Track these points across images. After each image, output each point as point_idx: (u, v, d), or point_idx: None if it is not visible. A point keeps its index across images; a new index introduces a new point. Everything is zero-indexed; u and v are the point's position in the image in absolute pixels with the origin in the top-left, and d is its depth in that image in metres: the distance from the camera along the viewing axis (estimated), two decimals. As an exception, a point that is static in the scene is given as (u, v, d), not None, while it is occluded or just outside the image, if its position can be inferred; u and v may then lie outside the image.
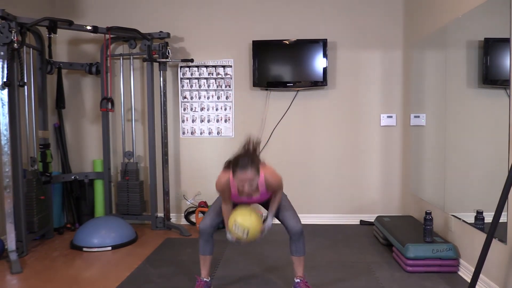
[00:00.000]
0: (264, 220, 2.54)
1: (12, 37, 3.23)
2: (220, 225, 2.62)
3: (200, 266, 2.64)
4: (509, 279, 2.40)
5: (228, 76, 4.46)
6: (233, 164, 2.29)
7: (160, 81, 4.29)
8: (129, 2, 4.49)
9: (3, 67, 3.25)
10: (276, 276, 2.97)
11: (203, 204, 4.34)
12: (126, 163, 4.37)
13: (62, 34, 4.40)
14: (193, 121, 4.52)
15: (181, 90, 4.52)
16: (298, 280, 2.59)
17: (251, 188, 2.29)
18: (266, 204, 2.65)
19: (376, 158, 4.42)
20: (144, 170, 4.56)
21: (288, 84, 4.29)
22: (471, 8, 2.84)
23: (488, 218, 2.56)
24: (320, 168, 4.46)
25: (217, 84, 4.47)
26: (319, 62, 4.24)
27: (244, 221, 2.34)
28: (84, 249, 3.60)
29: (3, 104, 3.26)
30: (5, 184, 3.30)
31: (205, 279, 2.63)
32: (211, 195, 4.45)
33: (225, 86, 4.47)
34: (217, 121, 4.49)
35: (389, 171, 4.41)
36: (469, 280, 2.68)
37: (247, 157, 2.28)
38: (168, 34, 4.28)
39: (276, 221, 2.61)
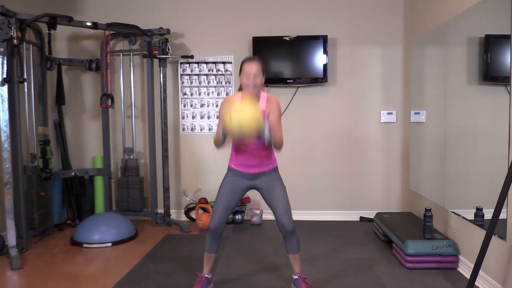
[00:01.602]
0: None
1: (12, 33, 3.23)
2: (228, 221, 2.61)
3: (204, 263, 2.64)
4: (509, 275, 2.41)
5: (228, 72, 4.46)
6: (242, 62, 2.48)
7: (160, 78, 4.29)
8: (129, -2, 4.49)
9: (3, 63, 3.24)
10: (275, 272, 2.98)
11: (203, 201, 4.34)
12: (126, 159, 4.37)
13: (62, 30, 4.39)
14: (193, 117, 4.52)
15: (181, 86, 4.51)
16: (297, 277, 2.59)
17: (255, 81, 2.42)
18: (265, 193, 2.59)
19: (376, 155, 4.42)
20: (144, 167, 4.56)
21: (288, 81, 4.29)
22: (472, 4, 2.84)
23: (488, 215, 2.56)
24: (320, 165, 4.46)
25: (217, 80, 4.46)
26: (319, 59, 4.23)
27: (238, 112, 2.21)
28: (84, 245, 3.61)
29: (3, 101, 3.25)
30: (5, 181, 3.30)
31: (206, 276, 2.63)
32: (211, 192, 4.45)
33: (225, 83, 4.46)
34: (217, 117, 4.49)
35: (389, 167, 4.41)
36: (468, 277, 2.68)
37: (254, 56, 2.55)
38: (168, 31, 4.27)
39: (271, 217, 2.60)
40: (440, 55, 3.37)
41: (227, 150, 2.56)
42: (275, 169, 2.60)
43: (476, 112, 2.83)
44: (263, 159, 2.54)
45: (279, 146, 2.49)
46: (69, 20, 3.78)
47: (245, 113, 2.19)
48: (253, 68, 2.42)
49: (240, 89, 2.57)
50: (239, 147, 2.52)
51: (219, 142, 2.43)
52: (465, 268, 2.92)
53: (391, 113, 4.37)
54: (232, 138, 2.33)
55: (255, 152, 2.50)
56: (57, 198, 4.22)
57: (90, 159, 4.61)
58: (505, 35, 2.44)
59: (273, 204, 2.54)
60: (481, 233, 2.66)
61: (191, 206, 4.54)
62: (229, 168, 2.61)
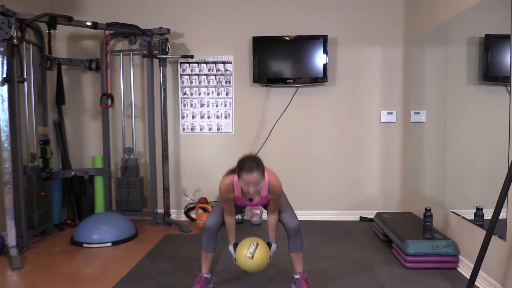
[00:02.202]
0: (269, 244, 2.61)
1: (12, 33, 3.23)
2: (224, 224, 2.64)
3: (202, 263, 2.64)
4: (509, 275, 2.41)
5: (228, 72, 4.46)
6: (238, 166, 2.31)
7: (160, 77, 4.28)
8: (129, -2, 4.49)
9: (2, 63, 3.24)
10: (276, 272, 2.98)
11: (203, 200, 4.34)
12: (126, 159, 4.37)
13: (62, 30, 4.39)
14: (193, 117, 4.52)
15: (181, 86, 4.51)
16: (298, 276, 2.60)
17: (256, 190, 2.31)
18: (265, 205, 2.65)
19: (376, 155, 4.42)
20: (144, 166, 4.56)
21: (288, 81, 4.29)
22: (472, 4, 2.84)
23: (488, 214, 2.57)
24: (320, 165, 4.46)
25: (217, 80, 4.46)
26: (319, 59, 4.23)
27: (248, 267, 2.51)
28: (84, 245, 3.61)
29: (3, 100, 3.25)
30: (5, 180, 3.30)
31: (205, 275, 2.64)
32: (211, 191, 4.46)
33: (225, 82, 4.46)
34: (217, 117, 4.49)
35: (389, 167, 4.42)
36: (468, 277, 2.69)
37: (253, 160, 2.30)
38: (168, 30, 4.27)
39: (266, 217, 2.62)
40: (440, 55, 3.37)
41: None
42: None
43: (476, 112, 2.83)
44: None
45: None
46: (69, 20, 3.78)
47: (258, 266, 2.49)
48: (253, 178, 2.25)
49: (231, 171, 2.46)
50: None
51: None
52: (465, 268, 2.92)
53: (391, 113, 4.37)
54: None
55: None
56: (57, 198, 4.22)
57: (90, 159, 4.61)
58: (505, 35, 2.44)
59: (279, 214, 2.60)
60: (481, 233, 2.67)
61: (191, 206, 4.54)
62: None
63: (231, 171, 2.48)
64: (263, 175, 2.33)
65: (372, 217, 4.11)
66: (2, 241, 3.39)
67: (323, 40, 4.22)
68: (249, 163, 2.27)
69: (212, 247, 2.61)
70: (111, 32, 4.20)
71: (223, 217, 2.59)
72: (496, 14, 2.58)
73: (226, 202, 2.51)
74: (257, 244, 2.51)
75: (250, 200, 2.52)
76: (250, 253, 2.47)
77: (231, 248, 2.63)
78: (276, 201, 2.52)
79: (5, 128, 3.27)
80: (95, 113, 4.58)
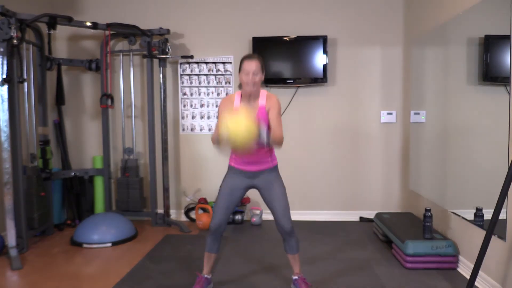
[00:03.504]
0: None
1: (12, 33, 3.23)
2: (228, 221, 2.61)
3: (204, 263, 2.64)
4: (508, 275, 2.41)
5: (228, 72, 4.46)
6: (241, 60, 2.48)
7: (160, 78, 4.28)
8: (128, -2, 4.49)
9: (2, 64, 3.24)
10: (275, 273, 2.98)
11: (203, 201, 4.34)
12: (126, 159, 4.37)
13: (62, 31, 4.38)
14: (193, 117, 4.52)
15: (181, 86, 4.51)
16: (296, 277, 2.60)
17: (254, 79, 2.41)
18: (264, 192, 2.59)
19: (376, 155, 4.42)
20: (144, 167, 4.56)
21: (288, 81, 4.29)
22: (472, 5, 2.84)
23: (488, 215, 2.56)
24: (320, 165, 4.46)
25: (217, 80, 4.46)
26: (319, 59, 4.23)
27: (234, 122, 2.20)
28: (84, 245, 3.61)
29: (2, 101, 3.25)
30: (5, 181, 3.30)
31: (206, 276, 2.63)
32: (211, 192, 4.45)
33: (225, 83, 4.46)
34: (217, 117, 4.48)
35: (389, 168, 4.42)
36: (468, 277, 2.69)
37: (253, 54, 2.53)
38: (168, 31, 4.27)
39: (271, 218, 2.59)
40: (440, 55, 3.37)
41: (227, 151, 2.55)
42: (275, 168, 2.59)
43: (475, 112, 2.83)
44: (263, 155, 2.53)
45: (279, 143, 2.45)
46: (69, 20, 3.78)
47: (240, 127, 2.16)
48: (252, 66, 2.41)
49: (240, 87, 2.56)
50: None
51: (216, 143, 2.43)
52: (464, 268, 2.92)
53: (391, 113, 4.37)
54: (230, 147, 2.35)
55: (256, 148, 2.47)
56: (57, 198, 4.22)
57: (90, 159, 4.61)
58: (505, 35, 2.44)
59: (272, 204, 2.52)
60: (481, 233, 2.67)
61: (191, 206, 4.54)
62: (229, 167, 2.61)
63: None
64: (262, 69, 2.46)
65: (372, 217, 4.11)
66: (2, 242, 3.39)
67: (323, 40, 4.22)
68: (249, 54, 2.53)
69: (216, 248, 2.60)
70: (111, 32, 4.20)
71: (226, 213, 2.53)
72: (496, 14, 2.58)
73: (224, 115, 2.35)
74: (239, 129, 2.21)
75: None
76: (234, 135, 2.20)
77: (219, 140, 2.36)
78: (276, 112, 2.45)
79: (5, 129, 3.26)
80: (95, 114, 4.58)
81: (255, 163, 2.52)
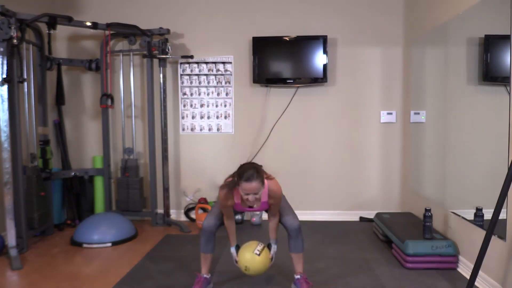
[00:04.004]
0: (269, 245, 2.63)
1: (12, 33, 3.23)
2: (223, 224, 2.63)
3: (201, 264, 2.64)
4: (508, 275, 2.41)
5: (228, 72, 4.46)
6: (238, 175, 2.30)
7: (160, 78, 4.28)
8: (128, -2, 4.49)
9: (2, 63, 3.24)
10: (276, 272, 2.97)
11: (203, 201, 4.34)
12: (126, 159, 4.37)
13: (62, 30, 4.39)
14: (193, 117, 4.52)
15: (181, 86, 4.51)
16: (298, 277, 2.60)
17: (255, 199, 2.31)
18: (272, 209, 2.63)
19: (376, 155, 4.42)
20: (144, 167, 4.56)
21: (288, 81, 4.29)
22: (472, 4, 2.84)
23: (488, 215, 2.56)
24: (320, 165, 4.46)
25: (217, 80, 4.46)
26: (319, 59, 4.23)
27: (253, 264, 2.49)
28: (84, 245, 3.61)
29: (2, 101, 3.25)
30: (5, 181, 3.30)
31: (205, 276, 2.64)
32: (210, 192, 4.45)
33: (225, 83, 4.46)
34: (217, 117, 4.49)
35: (389, 168, 4.42)
36: (468, 277, 2.69)
37: (252, 168, 2.29)
38: (168, 31, 4.27)
39: (266, 217, 2.61)
40: (440, 55, 3.37)
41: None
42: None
43: (475, 113, 2.83)
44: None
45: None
46: (69, 20, 3.78)
47: (263, 264, 2.51)
48: (253, 187, 2.25)
49: (231, 177, 2.40)
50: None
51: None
52: (464, 268, 2.92)
53: (391, 113, 4.37)
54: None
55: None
56: (57, 198, 4.22)
57: (90, 159, 4.61)
58: (505, 35, 2.44)
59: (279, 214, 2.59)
60: (481, 233, 2.67)
61: (190, 206, 4.54)
62: None
63: (231, 178, 2.42)
64: (263, 183, 2.31)
65: (372, 217, 4.11)
66: (2, 242, 3.39)
67: (323, 40, 4.22)
68: (248, 172, 2.26)
69: (210, 248, 2.60)
70: (111, 32, 4.20)
71: (221, 218, 2.58)
72: (496, 14, 2.58)
73: (226, 208, 2.50)
74: (264, 245, 2.55)
75: (250, 206, 2.51)
76: (258, 250, 2.48)
77: (232, 249, 2.62)
78: (276, 206, 2.52)
79: (5, 128, 3.26)
80: (95, 114, 4.58)
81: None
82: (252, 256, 2.48)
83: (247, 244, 2.57)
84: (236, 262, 2.58)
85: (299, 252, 2.59)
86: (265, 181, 2.39)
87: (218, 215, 2.58)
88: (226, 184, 2.41)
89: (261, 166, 2.38)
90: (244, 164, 2.37)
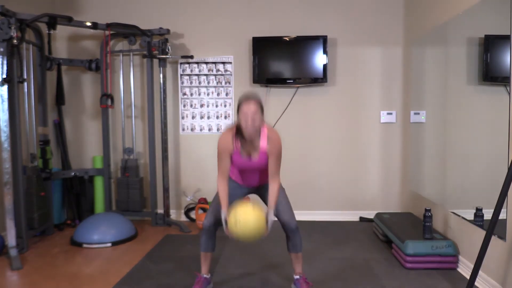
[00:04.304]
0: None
1: (12, 33, 3.23)
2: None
3: (201, 263, 2.64)
4: (508, 275, 2.41)
5: (228, 72, 4.46)
6: (239, 101, 2.35)
7: (160, 78, 4.28)
8: (128, -2, 4.49)
9: (2, 64, 3.24)
10: (275, 272, 2.98)
11: (203, 201, 4.34)
12: (126, 159, 4.37)
13: (62, 30, 4.39)
14: (193, 117, 4.52)
15: (181, 86, 4.51)
16: (298, 277, 2.60)
17: (254, 123, 2.28)
18: (264, 193, 2.62)
19: (376, 155, 4.42)
20: (144, 167, 4.56)
21: (288, 81, 4.29)
22: (472, 4, 2.84)
23: (488, 215, 2.56)
24: (320, 165, 4.46)
25: (217, 80, 4.46)
26: (319, 59, 4.23)
27: (245, 217, 2.26)
28: (84, 245, 3.61)
29: (2, 101, 3.25)
30: (5, 181, 3.30)
31: (205, 276, 2.63)
32: (211, 192, 4.45)
33: (225, 83, 4.46)
34: (217, 117, 4.49)
35: (389, 168, 4.42)
36: (468, 277, 2.69)
37: (252, 93, 2.37)
38: (168, 31, 4.27)
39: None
40: (440, 55, 3.37)
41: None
42: None
43: (475, 112, 2.83)
44: (265, 178, 2.57)
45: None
46: (69, 20, 3.78)
47: (250, 228, 2.23)
48: (251, 107, 2.28)
49: (239, 130, 2.41)
50: (240, 171, 2.57)
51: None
52: (464, 268, 2.92)
53: (391, 113, 4.37)
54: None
55: (257, 175, 2.57)
56: (57, 198, 4.22)
57: (90, 159, 4.61)
58: (505, 35, 2.44)
59: (276, 208, 2.54)
60: (481, 233, 2.67)
61: (190, 206, 4.54)
62: (229, 178, 2.60)
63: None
64: (262, 110, 2.34)
65: (372, 217, 4.11)
66: (2, 242, 3.39)
67: (323, 40, 4.22)
68: (247, 94, 2.36)
69: (211, 247, 2.60)
70: (111, 32, 4.21)
71: (219, 218, 2.54)
72: (496, 14, 2.58)
73: (223, 155, 2.44)
74: (251, 228, 2.30)
75: (249, 157, 2.44)
76: (252, 207, 2.30)
77: (223, 213, 2.40)
78: (275, 157, 2.44)
79: (5, 129, 3.26)
80: (95, 113, 4.58)
81: (256, 182, 2.60)
82: (244, 210, 2.27)
83: (238, 205, 2.35)
84: (226, 224, 2.34)
85: (297, 252, 2.59)
86: (265, 125, 2.44)
87: (217, 213, 2.54)
88: (225, 131, 2.48)
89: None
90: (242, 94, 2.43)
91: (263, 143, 2.42)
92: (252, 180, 2.59)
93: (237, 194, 2.60)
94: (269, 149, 2.43)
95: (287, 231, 2.55)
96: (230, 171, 2.60)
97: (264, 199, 2.59)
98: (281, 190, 2.60)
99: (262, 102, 2.38)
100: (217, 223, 2.56)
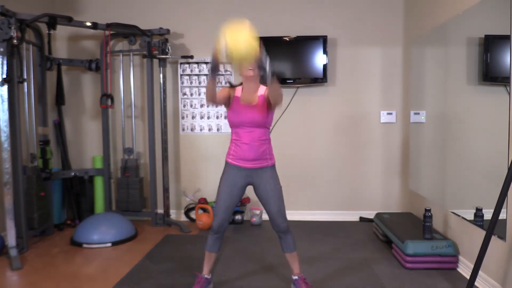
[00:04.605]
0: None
1: (12, 33, 3.23)
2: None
3: (204, 263, 2.63)
4: (508, 275, 2.41)
5: (228, 72, 4.45)
6: None
7: (160, 78, 4.28)
8: (128, -2, 4.49)
9: (2, 64, 3.24)
10: (275, 273, 2.98)
11: (203, 201, 4.34)
12: (126, 159, 4.37)
13: (62, 31, 4.39)
14: (193, 117, 4.52)
15: (181, 86, 4.51)
16: (297, 277, 2.59)
17: (254, 71, 2.44)
18: (261, 194, 2.60)
19: (376, 155, 4.42)
20: (144, 167, 4.56)
21: (288, 81, 4.29)
22: (472, 4, 2.84)
23: (488, 215, 2.56)
24: (320, 165, 4.46)
25: (217, 80, 4.45)
26: (319, 59, 4.23)
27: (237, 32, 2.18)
28: (84, 245, 3.61)
29: (2, 101, 3.25)
30: (5, 181, 3.30)
31: (205, 276, 2.63)
32: (210, 192, 4.45)
33: (225, 83, 4.46)
34: (217, 117, 4.49)
35: (389, 168, 4.42)
36: (468, 277, 2.69)
37: None
38: (168, 31, 4.27)
39: (266, 217, 2.58)
40: (440, 55, 3.37)
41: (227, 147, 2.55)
42: (273, 167, 2.58)
43: (475, 113, 2.83)
44: (262, 152, 2.52)
45: (279, 96, 2.52)
46: (69, 20, 3.78)
47: (240, 37, 2.13)
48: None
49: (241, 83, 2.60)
50: (239, 133, 2.51)
51: (211, 90, 2.43)
52: (464, 268, 2.92)
53: (391, 113, 4.38)
54: (234, 65, 2.33)
55: (255, 142, 2.49)
56: (57, 198, 4.22)
57: (90, 159, 4.61)
58: (505, 35, 2.44)
59: (268, 203, 2.52)
60: (481, 233, 2.67)
61: (190, 206, 4.54)
62: (226, 164, 2.58)
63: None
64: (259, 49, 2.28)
65: (372, 217, 4.11)
66: (2, 242, 3.39)
67: (323, 40, 4.22)
68: None
69: (217, 248, 2.60)
70: (111, 32, 4.20)
71: (229, 212, 2.53)
72: (496, 14, 2.58)
73: (224, 93, 2.55)
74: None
75: (249, 104, 2.50)
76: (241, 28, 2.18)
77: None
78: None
79: (5, 129, 3.26)
80: (95, 114, 4.58)
81: (254, 159, 2.51)
82: (235, 33, 2.18)
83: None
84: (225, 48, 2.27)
85: (291, 252, 2.58)
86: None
87: (224, 212, 2.51)
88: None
89: None
90: None
91: (261, 92, 2.56)
92: (250, 152, 2.49)
93: (237, 189, 2.54)
94: (266, 93, 2.53)
95: (278, 232, 2.55)
96: (227, 154, 2.59)
97: (261, 197, 2.56)
98: (278, 186, 2.54)
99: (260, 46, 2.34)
100: (226, 223, 2.55)
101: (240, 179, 2.54)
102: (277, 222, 2.51)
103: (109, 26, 4.05)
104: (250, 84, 2.55)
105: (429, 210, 3.11)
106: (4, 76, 3.23)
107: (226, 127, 4.48)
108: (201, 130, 4.53)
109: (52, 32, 3.80)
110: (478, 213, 2.76)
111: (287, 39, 4.26)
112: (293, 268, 2.61)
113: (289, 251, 2.58)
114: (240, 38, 2.14)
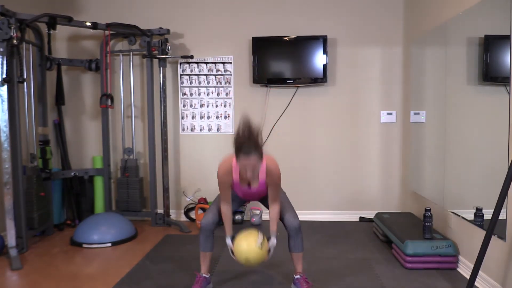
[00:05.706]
0: (268, 239, 2.52)
1: (12, 33, 3.23)
2: (221, 222, 2.62)
3: (200, 263, 2.64)
4: (508, 275, 2.41)
5: (228, 72, 4.46)
6: (236, 149, 2.27)
7: (160, 78, 4.28)
8: (128, -2, 4.49)
9: (2, 64, 3.24)
10: (275, 272, 2.97)
11: (203, 201, 4.34)
12: (126, 159, 4.37)
13: (62, 31, 4.39)
14: (192, 117, 4.52)
15: (180, 86, 4.51)
16: (298, 276, 2.60)
17: (253, 173, 2.31)
18: (264, 200, 2.65)
19: (376, 155, 4.42)
20: (144, 167, 4.56)
21: (288, 81, 4.29)
22: (472, 4, 2.84)
23: (488, 215, 2.56)
24: (319, 165, 4.46)
25: (217, 80, 4.46)
26: (319, 59, 4.23)
27: (255, 257, 2.38)
28: (84, 245, 3.61)
29: (2, 101, 3.25)
30: (5, 181, 3.30)
31: (204, 275, 2.63)
32: (210, 192, 4.45)
33: (225, 83, 4.46)
34: (217, 117, 4.49)
35: (389, 168, 4.42)
36: (468, 277, 2.69)
37: (250, 143, 2.25)
38: (168, 31, 4.27)
39: (266, 218, 2.60)
40: (440, 55, 3.37)
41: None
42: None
43: (475, 113, 2.83)
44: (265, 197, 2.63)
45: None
46: (68, 20, 3.78)
47: (253, 259, 2.37)
48: (251, 161, 2.24)
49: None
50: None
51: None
52: (464, 268, 2.92)
53: (390, 113, 4.37)
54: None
55: (257, 197, 2.65)
56: (57, 198, 4.22)
57: (90, 159, 4.61)
58: (505, 35, 2.44)
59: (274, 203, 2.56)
60: (481, 233, 2.67)
61: (190, 206, 4.54)
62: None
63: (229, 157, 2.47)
64: (261, 157, 2.31)
65: (372, 217, 4.11)
66: (2, 242, 3.39)
67: (323, 40, 4.22)
68: (247, 146, 2.23)
69: (209, 246, 2.60)
70: (111, 32, 4.20)
71: (220, 215, 2.58)
72: (496, 14, 2.58)
73: (224, 186, 2.48)
74: (264, 236, 2.44)
75: (249, 186, 2.49)
76: (260, 243, 2.37)
77: (228, 240, 2.52)
78: (275, 187, 2.47)
79: (5, 129, 3.26)
80: (95, 114, 4.58)
81: (256, 199, 2.70)
82: (254, 249, 2.35)
83: (246, 233, 2.44)
84: (232, 253, 2.47)
85: (299, 252, 2.59)
86: (264, 158, 2.39)
87: (216, 212, 2.58)
88: (226, 159, 2.47)
89: (258, 133, 2.29)
90: (242, 135, 2.27)
91: (262, 176, 2.45)
92: (252, 198, 2.68)
93: (236, 200, 2.64)
94: (268, 180, 2.46)
95: (289, 230, 2.55)
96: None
97: (265, 204, 2.61)
98: (282, 192, 2.62)
99: (261, 148, 2.28)
100: (215, 222, 2.57)
101: (241, 199, 2.68)
102: (289, 222, 2.54)
103: (109, 26, 4.05)
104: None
105: (429, 210, 3.11)
106: (4, 76, 3.23)
107: (226, 127, 4.48)
108: (201, 130, 4.53)
109: (52, 32, 3.79)
110: (478, 213, 2.76)
111: (287, 39, 4.26)
112: (296, 267, 2.62)
113: (297, 251, 2.59)
114: (250, 256, 2.39)
